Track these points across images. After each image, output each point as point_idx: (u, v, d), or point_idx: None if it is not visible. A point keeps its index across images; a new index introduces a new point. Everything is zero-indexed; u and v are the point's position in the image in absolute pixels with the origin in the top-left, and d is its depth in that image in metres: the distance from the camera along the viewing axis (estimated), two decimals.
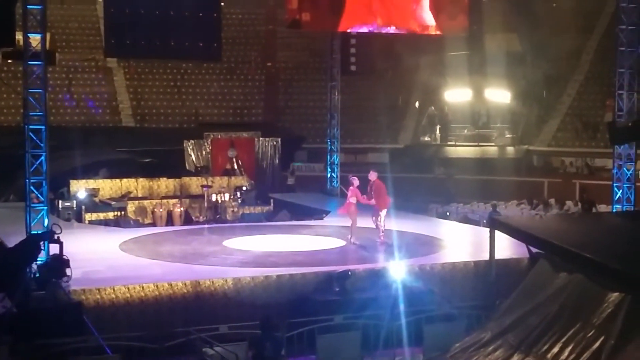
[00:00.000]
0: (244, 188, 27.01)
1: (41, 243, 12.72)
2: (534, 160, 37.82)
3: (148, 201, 25.33)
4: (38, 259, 13.44)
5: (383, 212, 19.27)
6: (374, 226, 19.55)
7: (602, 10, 39.58)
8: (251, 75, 40.90)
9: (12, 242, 18.36)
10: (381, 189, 19.28)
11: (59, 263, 12.90)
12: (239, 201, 25.97)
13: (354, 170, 24.21)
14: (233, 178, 28.08)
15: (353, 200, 19.47)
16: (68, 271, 13.97)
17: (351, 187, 19.70)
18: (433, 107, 39.77)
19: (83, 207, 24.19)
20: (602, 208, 25.45)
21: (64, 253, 14.06)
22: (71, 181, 25.20)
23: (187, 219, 24.88)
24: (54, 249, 12.86)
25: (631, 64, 20.95)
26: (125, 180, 26.21)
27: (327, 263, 17.49)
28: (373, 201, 19.26)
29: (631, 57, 20.96)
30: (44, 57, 16.30)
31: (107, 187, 25.89)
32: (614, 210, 21.48)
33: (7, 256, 13.12)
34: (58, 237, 12.75)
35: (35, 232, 12.64)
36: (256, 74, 41.04)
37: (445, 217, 27.54)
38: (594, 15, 39.86)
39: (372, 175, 19.38)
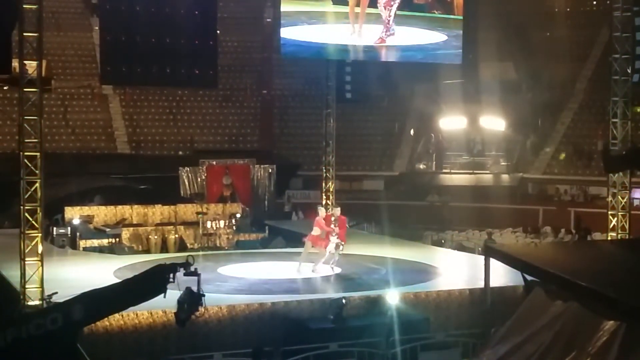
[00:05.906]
0: (238, 215, 26.98)
1: (170, 275, 11.51)
2: (529, 188, 37.81)
3: (143, 228, 25.26)
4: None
5: (334, 240, 19.34)
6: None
7: (595, 39, 39.86)
8: (247, 103, 41.01)
9: (4, 269, 18.40)
10: (342, 225, 19.63)
11: (196, 297, 11.78)
12: (234, 228, 25.92)
13: (350, 197, 24.23)
14: (228, 205, 28.04)
15: (316, 232, 19.60)
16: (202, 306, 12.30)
17: (317, 218, 19.88)
18: (433, 135, 39.81)
19: (78, 233, 24.15)
20: (597, 236, 25.43)
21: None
22: (66, 208, 25.15)
23: (182, 246, 24.83)
24: (189, 281, 11.67)
25: (625, 92, 21.00)
26: (120, 207, 26.15)
27: (322, 290, 17.42)
28: (336, 230, 19.41)
29: (625, 85, 21.01)
30: (40, 84, 16.32)
31: (102, 213, 25.84)
32: (609, 238, 21.46)
33: (125, 286, 12.42)
34: (195, 269, 11.49)
35: (164, 263, 11.52)
36: (252, 101, 41.14)
37: (440, 245, 27.49)
38: (588, 45, 40.13)
39: (337, 211, 20.11)
